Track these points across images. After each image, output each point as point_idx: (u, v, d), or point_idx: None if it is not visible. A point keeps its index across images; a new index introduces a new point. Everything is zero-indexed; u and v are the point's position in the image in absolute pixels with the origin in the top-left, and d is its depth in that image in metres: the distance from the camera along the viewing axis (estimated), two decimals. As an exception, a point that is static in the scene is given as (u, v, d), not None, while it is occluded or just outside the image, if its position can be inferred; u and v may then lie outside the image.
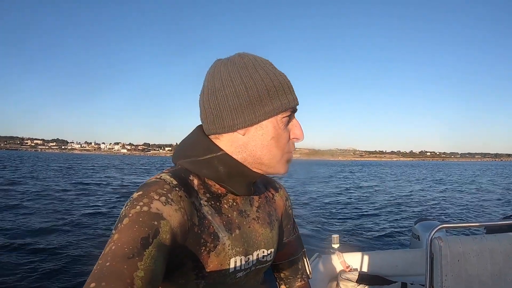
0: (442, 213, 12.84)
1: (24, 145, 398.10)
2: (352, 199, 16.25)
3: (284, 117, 0.81)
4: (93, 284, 0.55)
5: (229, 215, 0.83)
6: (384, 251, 4.25)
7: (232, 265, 0.79)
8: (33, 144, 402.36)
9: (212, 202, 0.81)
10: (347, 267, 3.34)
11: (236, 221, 0.83)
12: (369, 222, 10.57)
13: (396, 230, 9.51)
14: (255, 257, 0.86)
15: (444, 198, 17.55)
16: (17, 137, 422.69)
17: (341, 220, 10.89)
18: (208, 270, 0.76)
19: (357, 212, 12.40)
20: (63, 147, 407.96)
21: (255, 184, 0.93)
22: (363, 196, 17.62)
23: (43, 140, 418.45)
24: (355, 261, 3.39)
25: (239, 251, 0.81)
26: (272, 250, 0.92)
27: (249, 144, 0.81)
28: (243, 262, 0.82)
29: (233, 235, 0.81)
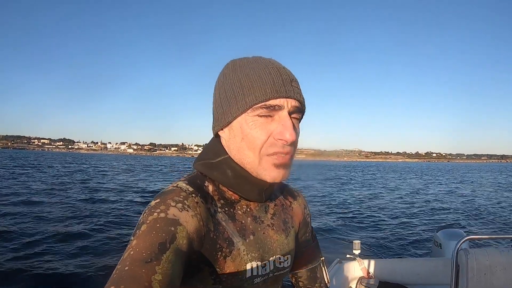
0: (463, 219, 12.53)
1: (31, 144, 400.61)
2: (374, 205, 15.94)
3: (255, 115, 0.76)
4: None
5: (243, 221, 0.83)
6: (406, 259, 4.20)
7: (248, 270, 0.80)
8: (40, 144, 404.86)
9: (226, 208, 0.82)
10: (368, 273, 3.30)
11: (250, 227, 0.84)
12: (390, 228, 10.38)
13: (417, 237, 9.32)
14: (271, 263, 0.86)
15: (465, 203, 17.06)
16: (24, 136, 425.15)
17: (362, 226, 10.71)
18: (225, 275, 0.77)
19: (378, 218, 12.17)
20: (69, 146, 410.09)
21: (270, 191, 0.89)
22: (385, 202, 17.26)
23: (50, 139, 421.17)
24: (376, 268, 3.35)
25: (254, 256, 0.81)
26: (289, 256, 0.92)
27: (230, 148, 0.82)
28: (260, 268, 0.82)
29: (247, 240, 0.81)
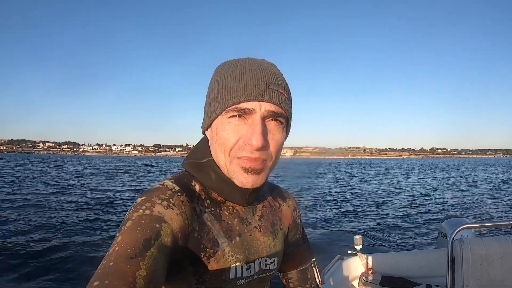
0: (473, 211, 12.32)
1: (36, 148, 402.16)
2: (375, 199, 15.87)
3: (228, 118, 0.76)
4: (96, 283, 0.55)
5: (229, 222, 0.83)
6: (408, 252, 4.15)
7: (232, 272, 0.80)
8: (45, 147, 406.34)
9: (212, 209, 0.82)
10: (370, 269, 3.28)
11: (237, 228, 0.84)
12: (393, 222, 10.28)
13: (423, 229, 9.22)
14: (257, 265, 0.86)
15: (474, 195, 16.86)
16: (29, 140, 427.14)
17: (364, 220, 10.58)
18: (208, 276, 0.77)
19: (380, 212, 12.08)
20: (74, 149, 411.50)
21: (255, 195, 0.89)
22: (387, 195, 17.19)
23: (54, 143, 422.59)
24: (378, 262, 3.32)
25: (239, 258, 0.81)
26: (275, 258, 0.91)
27: (211, 149, 0.83)
28: (244, 270, 0.82)
29: (233, 241, 0.81)
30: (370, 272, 3.27)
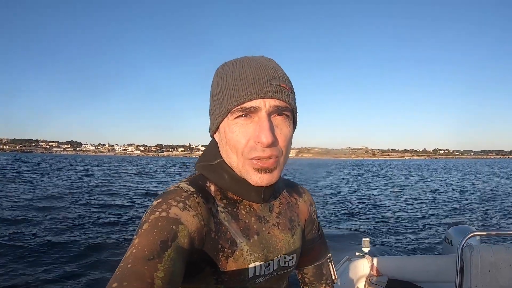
0: (477, 217, 12.16)
1: (39, 148, 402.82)
2: (384, 202, 15.75)
3: (234, 119, 0.76)
4: (115, 284, 0.56)
5: (247, 221, 0.83)
6: (415, 256, 4.20)
7: (251, 271, 0.80)
8: (47, 146, 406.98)
9: (229, 208, 0.82)
10: (377, 271, 3.33)
11: (255, 226, 0.84)
12: (401, 226, 10.26)
13: (429, 234, 9.21)
14: (275, 263, 0.86)
15: (481, 201, 16.57)
16: (32, 139, 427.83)
17: (372, 223, 10.55)
18: (227, 275, 0.77)
19: (389, 216, 12.01)
20: (77, 149, 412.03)
21: (270, 192, 0.88)
22: (396, 199, 17.05)
23: (57, 142, 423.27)
24: (385, 265, 3.37)
25: (258, 257, 0.81)
26: (294, 255, 0.92)
27: (221, 151, 0.84)
28: (263, 268, 0.82)
29: (251, 240, 0.81)
30: (376, 274, 3.32)
